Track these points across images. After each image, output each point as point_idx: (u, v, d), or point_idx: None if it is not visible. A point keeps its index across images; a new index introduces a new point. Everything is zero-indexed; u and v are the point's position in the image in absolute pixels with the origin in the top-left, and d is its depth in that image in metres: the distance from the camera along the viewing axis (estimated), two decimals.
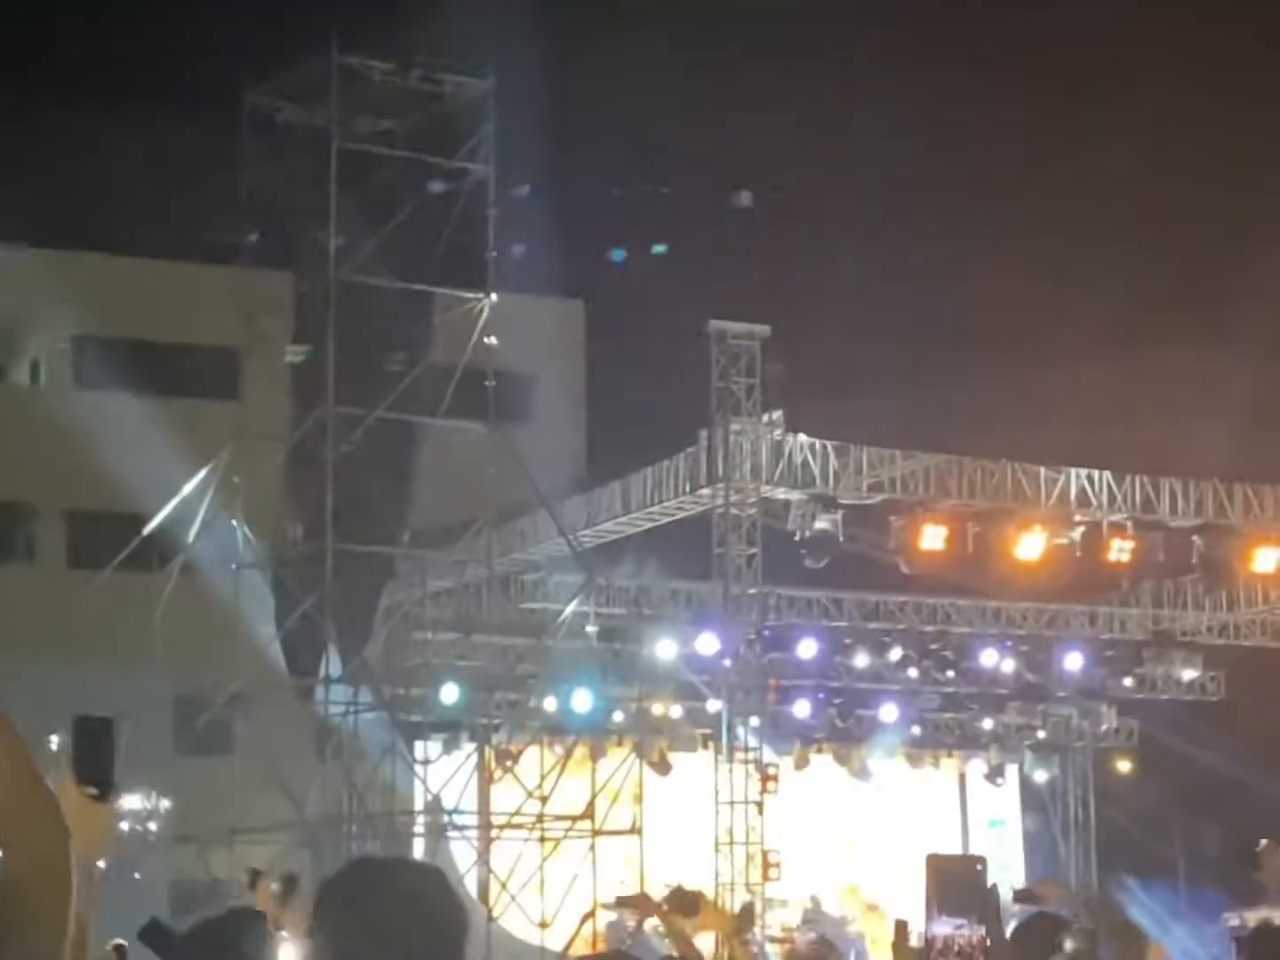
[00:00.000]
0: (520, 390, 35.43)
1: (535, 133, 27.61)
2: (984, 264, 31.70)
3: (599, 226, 34.63)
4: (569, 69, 30.87)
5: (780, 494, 24.57)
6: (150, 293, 34.89)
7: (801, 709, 31.71)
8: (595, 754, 27.37)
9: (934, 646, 30.97)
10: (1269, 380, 25.31)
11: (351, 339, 23.57)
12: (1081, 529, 25.00)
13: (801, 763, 32.26)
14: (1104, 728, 34.12)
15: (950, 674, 31.39)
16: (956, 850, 30.79)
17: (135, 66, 34.09)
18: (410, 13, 26.38)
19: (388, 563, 25.34)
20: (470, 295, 24.34)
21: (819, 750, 32.93)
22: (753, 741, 25.55)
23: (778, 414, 24.66)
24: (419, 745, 26.76)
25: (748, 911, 22.59)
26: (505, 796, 27.06)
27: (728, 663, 25.88)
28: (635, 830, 25.83)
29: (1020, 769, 34.93)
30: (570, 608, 25.49)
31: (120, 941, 14.69)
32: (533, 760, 27.12)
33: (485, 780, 28.05)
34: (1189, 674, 31.78)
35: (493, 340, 24.32)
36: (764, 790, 25.32)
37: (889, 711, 32.31)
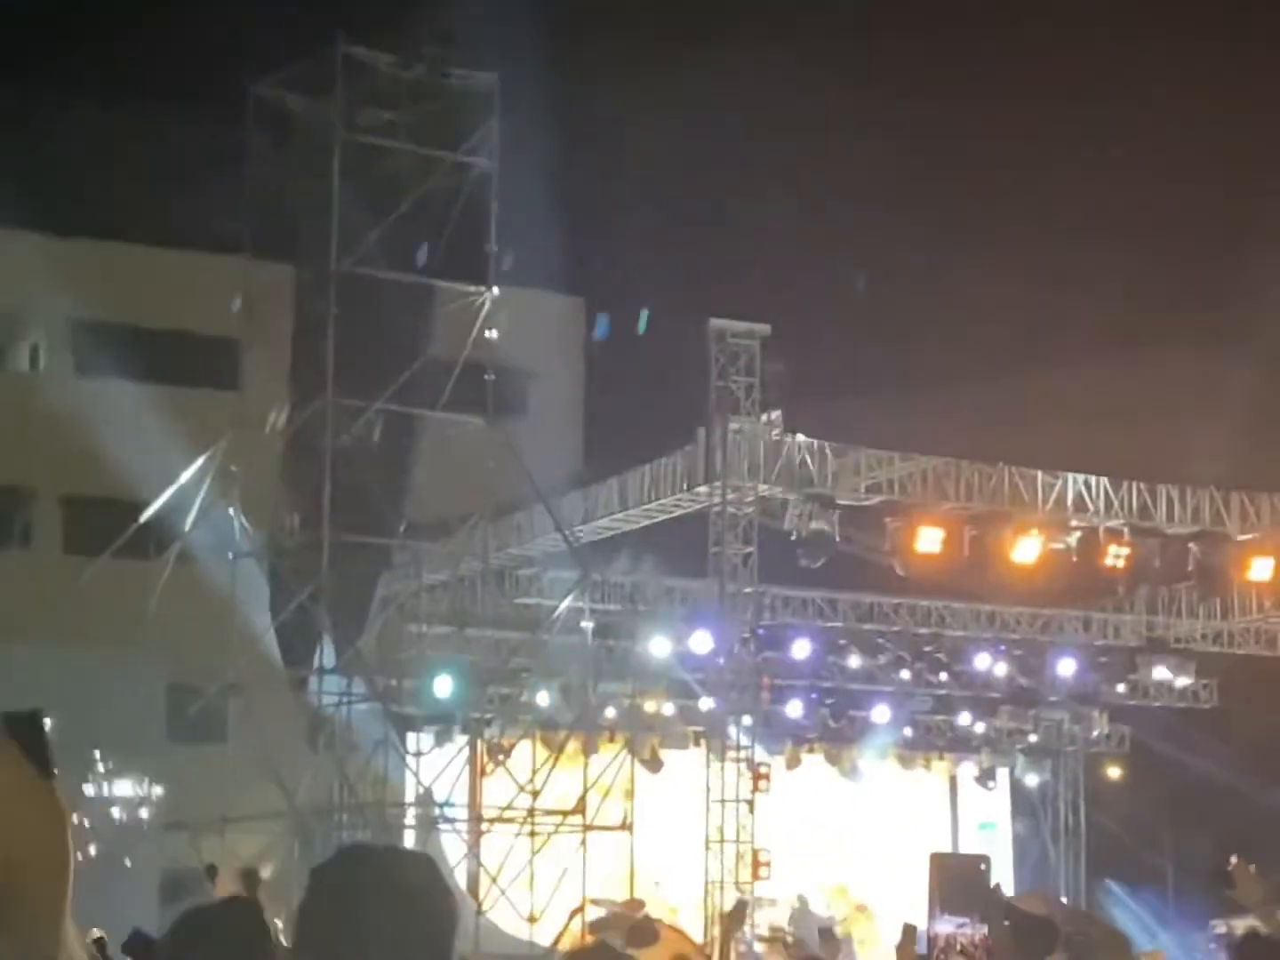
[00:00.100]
0: (519, 385, 35.46)
1: (540, 128, 27.63)
2: (983, 265, 31.72)
3: (602, 223, 34.64)
4: (573, 65, 30.91)
5: (777, 493, 24.59)
6: (151, 281, 34.89)
7: (794, 709, 31.74)
8: (587, 750, 27.39)
9: (928, 649, 30.99)
10: (1269, 387, 25.31)
11: (352, 331, 23.58)
12: (1078, 534, 25.02)
13: (793, 762, 32.28)
14: (1096, 733, 34.15)
15: (943, 676, 31.41)
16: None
17: (140, 54, 34.08)
18: (417, 6, 26.39)
19: (384, 554, 25.34)
20: (471, 289, 24.35)
21: (810, 750, 32.96)
22: (745, 740, 25.57)
23: (776, 414, 24.67)
24: (411, 737, 26.78)
25: (739, 910, 22.60)
26: (496, 790, 27.09)
27: (722, 661, 25.90)
28: (626, 826, 25.87)
29: (1011, 773, 34.96)
30: (565, 603, 25.50)
31: (99, 934, 14.69)
32: (525, 755, 27.15)
33: (477, 774, 28.09)
34: (1182, 681, 31.81)
35: (493, 334, 24.33)
36: (755, 789, 25.34)
37: (881, 713, 32.34)
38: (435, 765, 26.21)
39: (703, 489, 25.10)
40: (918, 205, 34.02)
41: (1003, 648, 31.24)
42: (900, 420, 25.20)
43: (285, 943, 4.38)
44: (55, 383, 34.65)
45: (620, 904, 23.11)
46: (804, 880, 30.36)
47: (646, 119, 33.13)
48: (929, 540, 24.21)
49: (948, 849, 31.70)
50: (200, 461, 24.60)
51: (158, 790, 29.97)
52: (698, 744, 29.44)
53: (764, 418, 24.60)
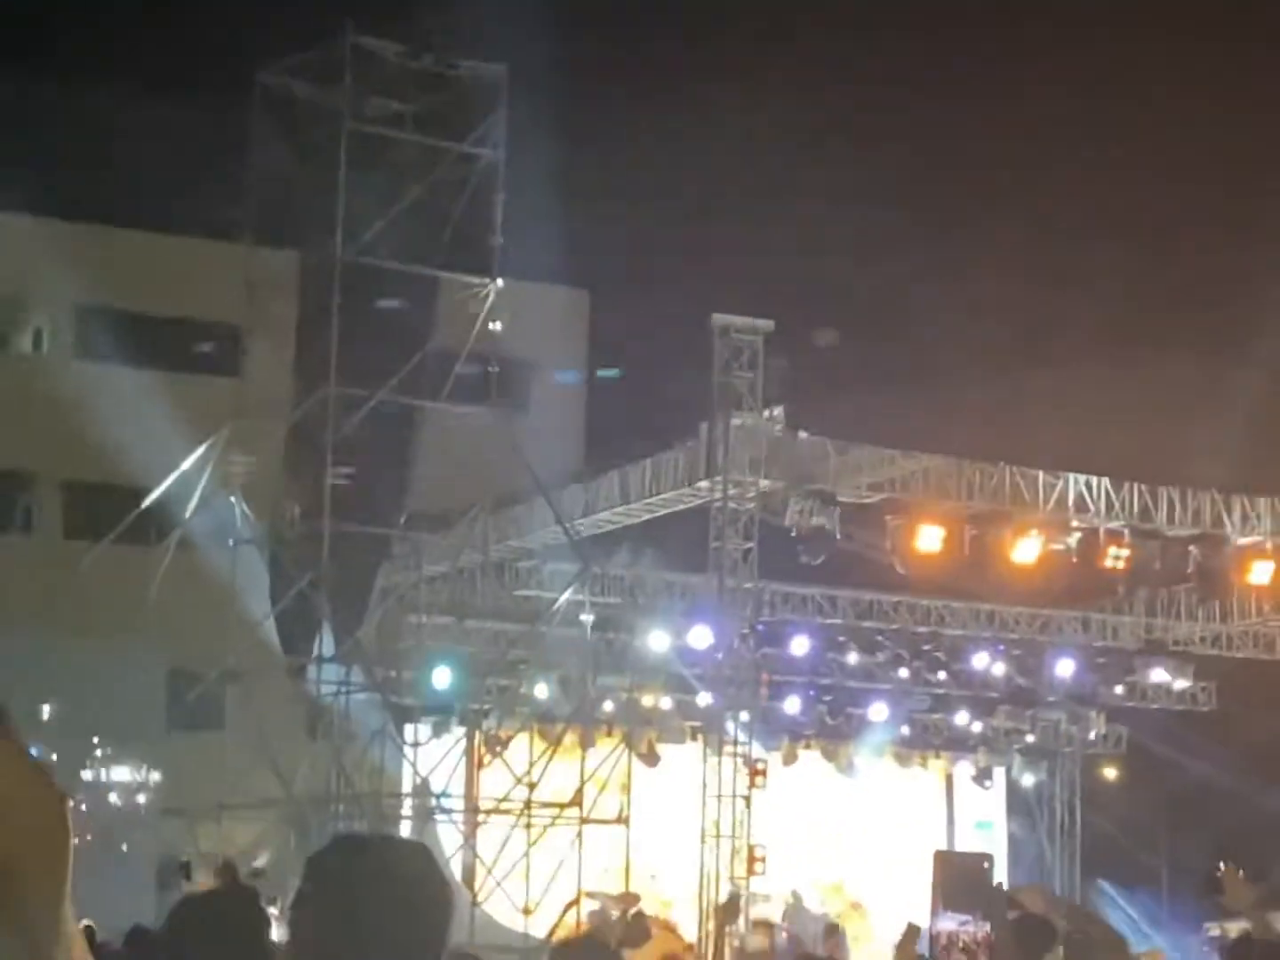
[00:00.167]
0: (522, 377, 35.46)
1: (546, 120, 27.63)
2: (989, 266, 31.73)
3: (607, 216, 34.63)
4: (581, 59, 30.90)
5: (779, 489, 24.58)
6: (156, 267, 34.90)
7: (792, 705, 31.75)
8: (584, 743, 27.40)
9: (926, 647, 30.99)
10: (1272, 391, 25.30)
11: (355, 320, 23.58)
12: (1078, 535, 25.01)
13: (790, 758, 32.29)
14: (1093, 734, 34.16)
15: (941, 675, 31.41)
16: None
17: (148, 40, 34.09)
18: None
19: (384, 544, 25.36)
20: (476, 281, 24.34)
21: (808, 747, 32.97)
22: (742, 736, 25.58)
23: (779, 410, 24.66)
24: (409, 728, 26.79)
25: (733, 903, 22.63)
26: (493, 782, 27.11)
27: (720, 656, 25.90)
28: (622, 820, 25.88)
29: (1008, 772, 34.96)
30: (565, 596, 25.51)
31: (88, 923, 14.70)
32: (522, 747, 27.16)
33: (474, 765, 28.10)
34: (1180, 684, 31.80)
35: (497, 326, 24.32)
36: (752, 785, 25.35)
37: (879, 710, 32.34)
38: (432, 756, 26.24)
39: (704, 484, 25.09)
40: (922, 204, 34.04)
41: (1001, 647, 31.23)
42: (902, 418, 25.21)
43: (281, 930, 4.38)
44: (57, 367, 34.67)
45: (615, 897, 23.14)
46: (799, 876, 30.38)
47: (653, 113, 33.14)
48: (929, 539, 24.21)
49: (944, 848, 31.70)
50: (202, 449, 24.61)
51: (155, 776, 29.99)
52: (695, 739, 29.44)
53: (766, 413, 24.59)
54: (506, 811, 25.54)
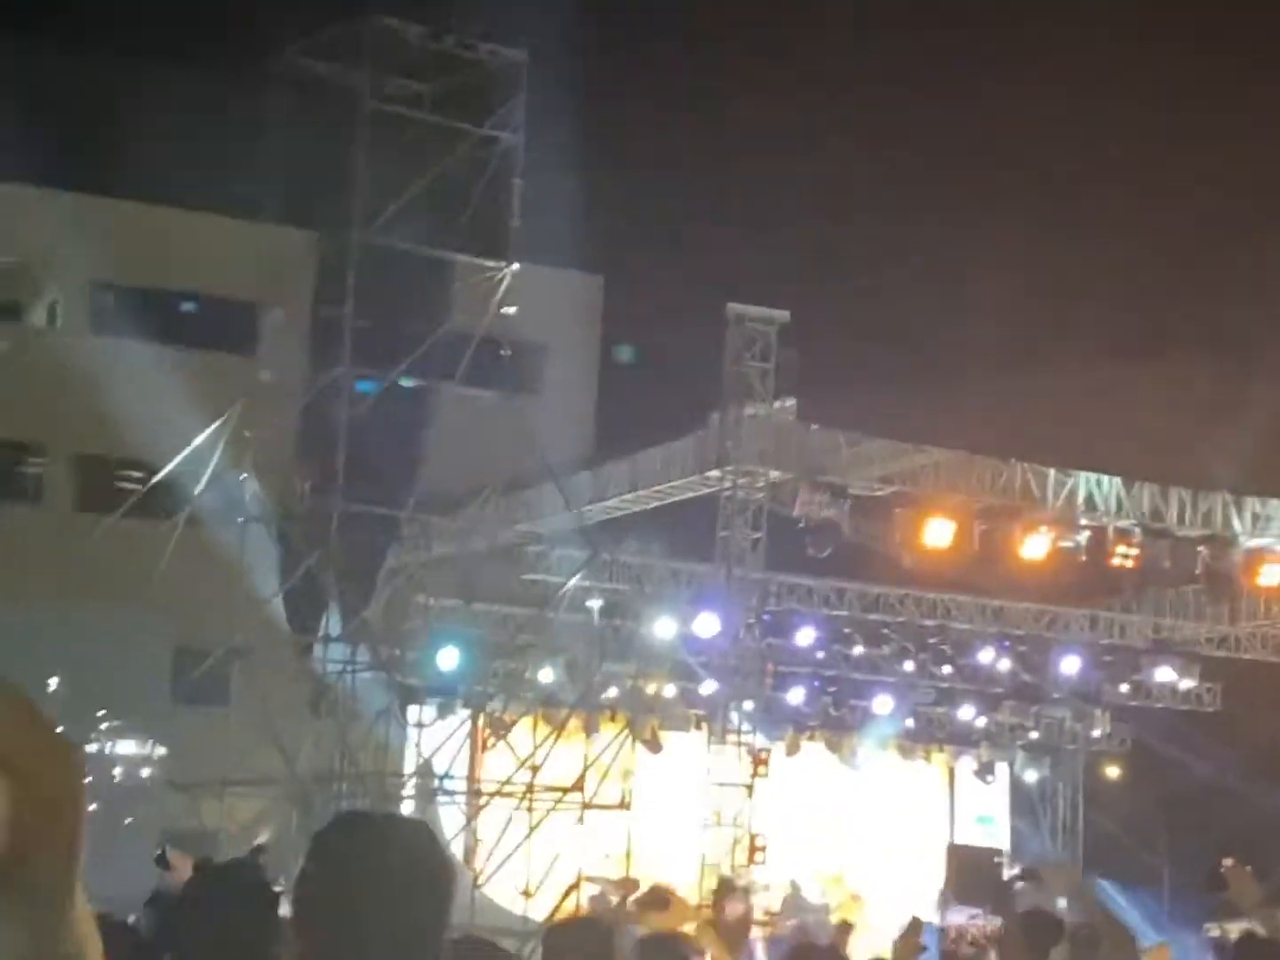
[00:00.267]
0: (534, 361, 35.45)
1: (566, 105, 27.60)
2: (1004, 262, 31.66)
3: (623, 202, 34.61)
4: (601, 45, 30.87)
5: (788, 480, 24.58)
6: (172, 242, 34.91)
7: (796, 695, 31.77)
8: (588, 728, 27.43)
9: (932, 641, 31.01)
10: None
11: (370, 300, 23.58)
12: (1087, 533, 25.00)
13: (793, 749, 32.32)
14: (1097, 732, 34.17)
15: (946, 669, 31.43)
16: (944, 845, 30.86)
17: (168, 15, 34.06)
18: None
19: (393, 525, 25.37)
20: (491, 264, 24.33)
21: (811, 737, 32.98)
22: (745, 725, 25.60)
23: (790, 401, 24.65)
24: (413, 708, 26.83)
25: (724, 886, 22.62)
26: (496, 765, 27.14)
27: (726, 645, 25.92)
28: (624, 805, 25.91)
29: (1011, 768, 34.97)
30: (573, 581, 25.53)
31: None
32: (526, 730, 27.19)
33: (477, 747, 28.14)
34: (1186, 684, 31.81)
35: (511, 310, 24.31)
36: (755, 774, 25.38)
37: (883, 703, 32.35)
38: (436, 737, 26.27)
39: (714, 473, 25.10)
40: (938, 198, 33.98)
41: (1007, 643, 31.24)
42: (914, 413, 25.17)
43: (285, 907, 4.40)
44: (72, 341, 34.68)
45: (615, 882, 23.17)
46: (799, 866, 30.41)
47: (672, 101, 33.11)
48: (938, 533, 24.20)
49: (945, 841, 31.72)
50: (215, 425, 24.63)
51: (160, 750, 30.07)
52: (699, 727, 29.47)
53: (778, 404, 24.59)
54: (509, 794, 25.57)
